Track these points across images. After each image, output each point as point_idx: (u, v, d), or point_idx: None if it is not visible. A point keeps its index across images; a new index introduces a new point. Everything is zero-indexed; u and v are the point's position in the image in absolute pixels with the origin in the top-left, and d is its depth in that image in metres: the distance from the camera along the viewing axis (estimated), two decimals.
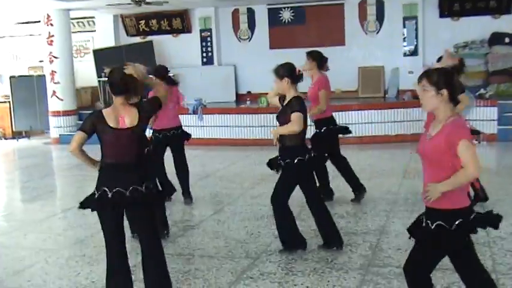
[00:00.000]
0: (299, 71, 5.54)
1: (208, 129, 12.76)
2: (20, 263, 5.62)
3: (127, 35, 16.23)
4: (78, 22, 16.24)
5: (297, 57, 15.13)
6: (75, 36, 15.51)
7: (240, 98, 14.94)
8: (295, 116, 5.18)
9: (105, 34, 16.12)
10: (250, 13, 15.27)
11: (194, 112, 12.77)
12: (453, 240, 3.33)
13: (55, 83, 14.27)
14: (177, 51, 15.66)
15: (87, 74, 15.65)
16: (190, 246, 5.84)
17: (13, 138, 15.46)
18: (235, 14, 15.42)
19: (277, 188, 5.47)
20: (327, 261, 5.21)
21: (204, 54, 15.64)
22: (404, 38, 14.21)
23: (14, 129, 15.56)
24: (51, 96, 14.28)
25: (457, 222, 3.27)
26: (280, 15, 15.02)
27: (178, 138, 7.61)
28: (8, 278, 5.18)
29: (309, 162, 5.32)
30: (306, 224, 6.29)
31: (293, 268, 5.09)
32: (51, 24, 14.18)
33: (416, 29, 14.08)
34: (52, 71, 14.26)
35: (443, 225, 3.29)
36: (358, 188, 7.30)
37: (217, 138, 12.63)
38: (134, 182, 4.02)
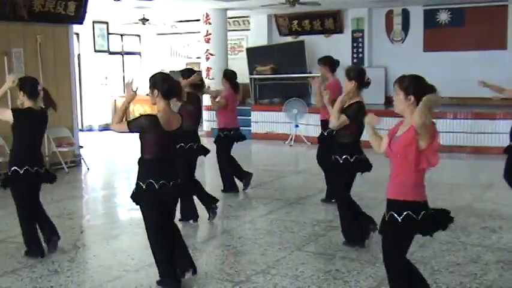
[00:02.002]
0: (368, 78, 5.54)
1: None
2: None
3: (279, 34, 16.56)
4: (234, 21, 16.85)
5: (453, 60, 14.64)
6: (231, 34, 16.09)
7: (389, 100, 14.65)
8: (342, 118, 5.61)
9: (259, 33, 16.57)
10: (405, 14, 14.94)
11: None
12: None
13: (210, 79, 14.88)
14: (328, 51, 15.47)
15: (240, 71, 16.15)
16: (332, 247, 5.85)
17: None
18: (389, 15, 15.16)
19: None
20: (475, 276, 4.98)
21: (355, 55, 15.54)
22: None
23: None
24: None
25: (404, 213, 3.68)
26: (437, 16, 14.53)
27: (238, 138, 8.35)
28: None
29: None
30: (455, 235, 6.07)
31: (437, 280, 4.92)
32: (210, 23, 14.86)
33: None
34: (208, 68, 14.93)
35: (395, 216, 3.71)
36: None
37: (363, 141, 12.44)
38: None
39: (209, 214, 6.88)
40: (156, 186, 4.56)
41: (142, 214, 4.76)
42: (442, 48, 14.24)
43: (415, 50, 14.67)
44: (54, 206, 7.78)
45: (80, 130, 12.64)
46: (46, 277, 5.10)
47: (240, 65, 16.24)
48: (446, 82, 13.90)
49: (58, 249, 5.84)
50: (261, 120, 14.51)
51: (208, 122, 15.07)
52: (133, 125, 4.56)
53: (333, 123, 5.62)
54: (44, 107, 5.71)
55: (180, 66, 17.91)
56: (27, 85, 5.61)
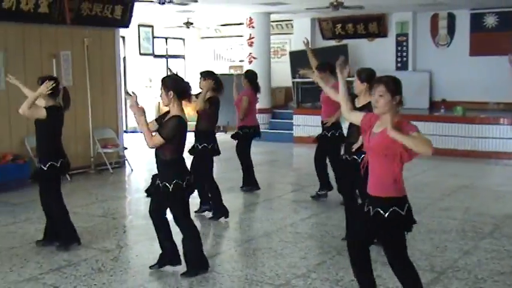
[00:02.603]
0: None
1: None
2: (212, 249, 6.02)
3: (323, 38, 16.49)
4: (277, 25, 16.88)
5: (500, 64, 14.34)
6: (274, 38, 16.11)
7: (433, 105, 14.45)
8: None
9: (302, 37, 16.38)
10: (451, 18, 14.70)
11: None
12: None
13: None
14: (372, 55, 15.56)
15: (283, 74, 16.21)
16: (374, 252, 5.78)
17: None
18: (434, 18, 14.94)
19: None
20: None
21: (399, 59, 15.37)
22: None
23: None
24: None
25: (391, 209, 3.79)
26: (484, 20, 14.24)
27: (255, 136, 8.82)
28: None
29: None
30: (500, 243, 5.94)
31: None
32: (253, 27, 14.93)
33: None
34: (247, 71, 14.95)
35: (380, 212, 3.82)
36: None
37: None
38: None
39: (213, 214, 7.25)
40: (184, 185, 4.89)
41: (158, 208, 5.11)
42: (488, 53, 13.95)
43: (461, 54, 14.42)
44: (98, 206, 7.94)
45: (125, 132, 12.84)
46: (89, 275, 5.21)
47: (282, 69, 16.29)
48: (493, 87, 13.69)
49: (102, 248, 5.98)
50: (303, 124, 14.47)
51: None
52: (169, 135, 4.79)
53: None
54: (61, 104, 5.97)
55: (223, 69, 18.10)
56: None
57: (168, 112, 5.04)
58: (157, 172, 5.04)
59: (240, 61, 17.17)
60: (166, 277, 5.17)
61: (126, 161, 11.09)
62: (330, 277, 5.11)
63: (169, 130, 4.81)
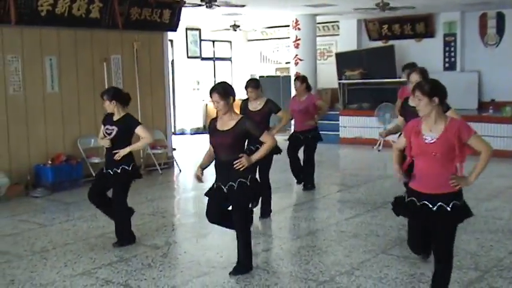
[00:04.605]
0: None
1: None
2: (257, 247, 6.13)
3: (369, 39, 16.43)
4: (323, 26, 16.91)
5: None
6: (320, 39, 16.15)
7: (482, 106, 14.23)
8: None
9: (348, 38, 16.52)
10: (500, 17, 14.44)
11: None
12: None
13: None
14: (418, 56, 15.36)
15: (329, 76, 16.24)
16: None
17: None
18: (482, 18, 14.71)
19: None
20: None
21: (447, 60, 15.19)
22: None
23: None
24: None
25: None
26: None
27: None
28: None
29: None
30: None
31: None
32: (299, 29, 15.00)
33: None
34: (297, 73, 15.03)
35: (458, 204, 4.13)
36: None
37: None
38: None
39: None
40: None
41: (243, 205, 5.35)
42: None
43: (511, 54, 14.16)
44: (148, 205, 8.18)
45: (173, 133, 13.13)
46: (140, 270, 5.40)
47: (329, 70, 16.32)
48: None
49: (152, 245, 6.19)
50: (350, 125, 14.48)
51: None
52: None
53: None
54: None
55: (270, 71, 18.26)
56: (120, 95, 6.16)
57: (215, 118, 5.39)
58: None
59: (287, 63, 17.28)
60: (213, 272, 5.32)
61: (174, 162, 11.33)
62: (373, 274, 5.16)
63: (255, 123, 5.26)
